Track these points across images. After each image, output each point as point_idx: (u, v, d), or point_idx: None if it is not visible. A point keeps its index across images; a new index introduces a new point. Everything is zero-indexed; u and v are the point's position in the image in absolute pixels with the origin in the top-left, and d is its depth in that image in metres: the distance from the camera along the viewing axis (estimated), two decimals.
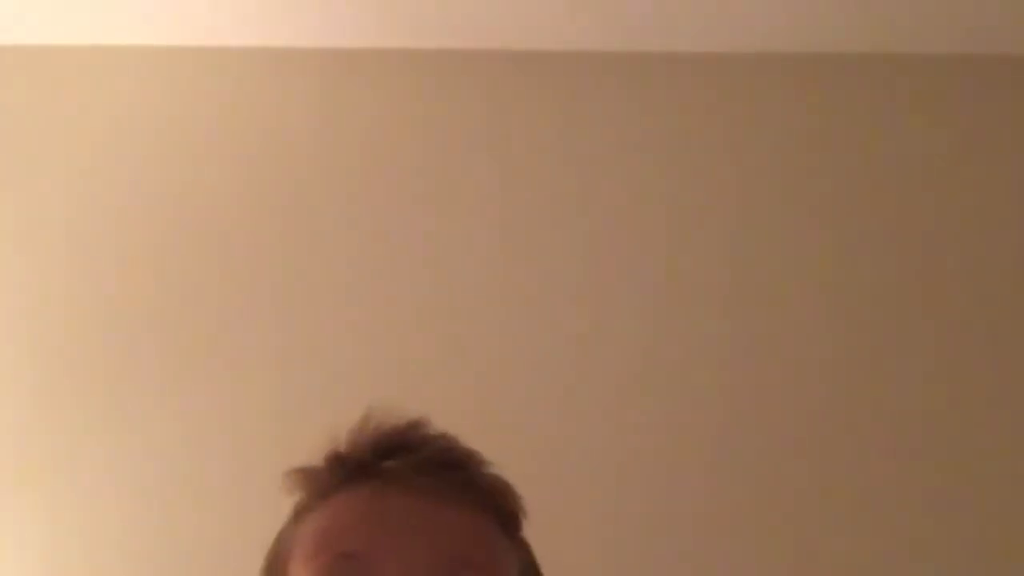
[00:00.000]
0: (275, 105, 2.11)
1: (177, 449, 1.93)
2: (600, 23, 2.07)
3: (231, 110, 2.10)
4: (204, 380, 1.95)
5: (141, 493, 1.91)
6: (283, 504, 1.04)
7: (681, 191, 2.09)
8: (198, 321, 2.00)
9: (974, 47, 2.12)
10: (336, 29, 2.08)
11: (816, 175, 2.11)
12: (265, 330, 2.00)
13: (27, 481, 1.93)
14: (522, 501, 1.01)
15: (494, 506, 0.98)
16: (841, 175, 2.11)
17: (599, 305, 2.04)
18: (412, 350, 1.99)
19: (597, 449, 1.97)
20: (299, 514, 0.99)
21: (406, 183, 2.08)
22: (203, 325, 1.99)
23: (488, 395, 1.98)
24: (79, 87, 2.10)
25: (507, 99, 2.13)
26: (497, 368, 1.99)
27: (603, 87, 2.12)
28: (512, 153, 2.10)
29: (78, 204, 2.05)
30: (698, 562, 1.93)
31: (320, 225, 2.05)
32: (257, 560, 1.05)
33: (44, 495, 1.92)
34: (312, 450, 1.01)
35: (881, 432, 2.00)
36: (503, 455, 1.93)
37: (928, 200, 2.10)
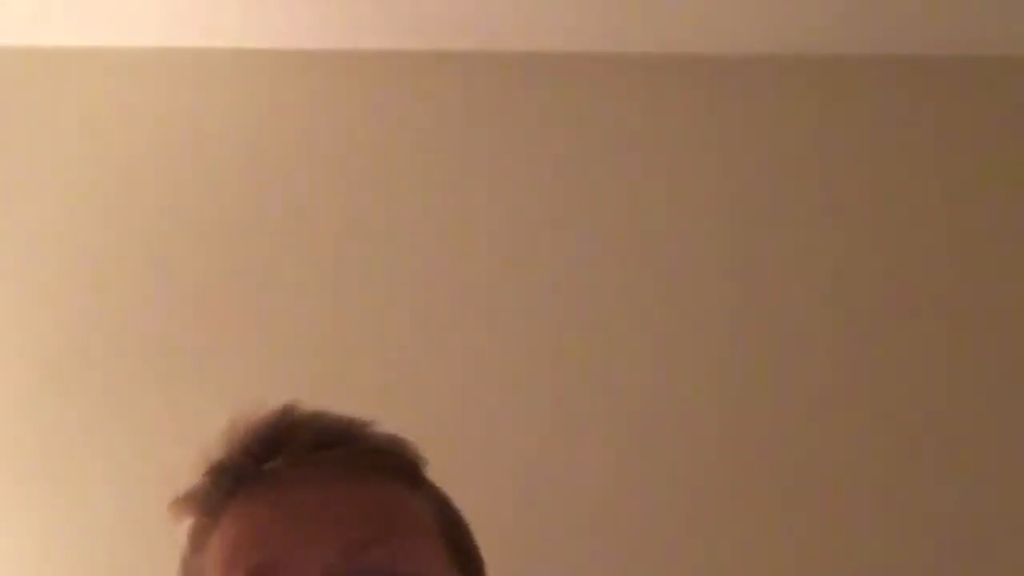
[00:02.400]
0: (274, 106, 2.10)
1: (175, 448, 1.92)
2: (600, 25, 2.07)
3: (229, 112, 2.10)
4: (203, 379, 1.95)
5: (140, 492, 1.90)
6: None
7: (682, 192, 2.09)
8: (197, 320, 1.99)
9: (971, 49, 2.13)
10: (334, 31, 2.07)
11: (816, 176, 2.12)
12: (264, 329, 2.00)
13: (25, 480, 1.93)
14: (415, 447, 0.98)
15: (386, 466, 0.95)
16: (841, 177, 2.11)
17: (599, 305, 2.04)
18: (411, 350, 1.99)
19: (594, 449, 1.97)
20: (196, 540, 0.97)
21: (404, 185, 2.08)
22: (202, 324, 1.99)
23: (485, 396, 1.98)
24: (78, 89, 2.09)
25: (506, 100, 2.13)
26: (495, 368, 1.99)
27: (603, 88, 2.12)
28: (511, 154, 2.10)
29: (76, 204, 2.04)
30: (699, 562, 1.93)
31: (318, 226, 2.05)
32: None
33: (42, 494, 1.92)
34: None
35: (880, 432, 2.00)
36: (505, 455, 1.94)
37: (926, 201, 2.11)
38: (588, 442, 1.97)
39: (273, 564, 0.89)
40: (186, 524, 0.98)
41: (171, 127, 2.08)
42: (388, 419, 0.98)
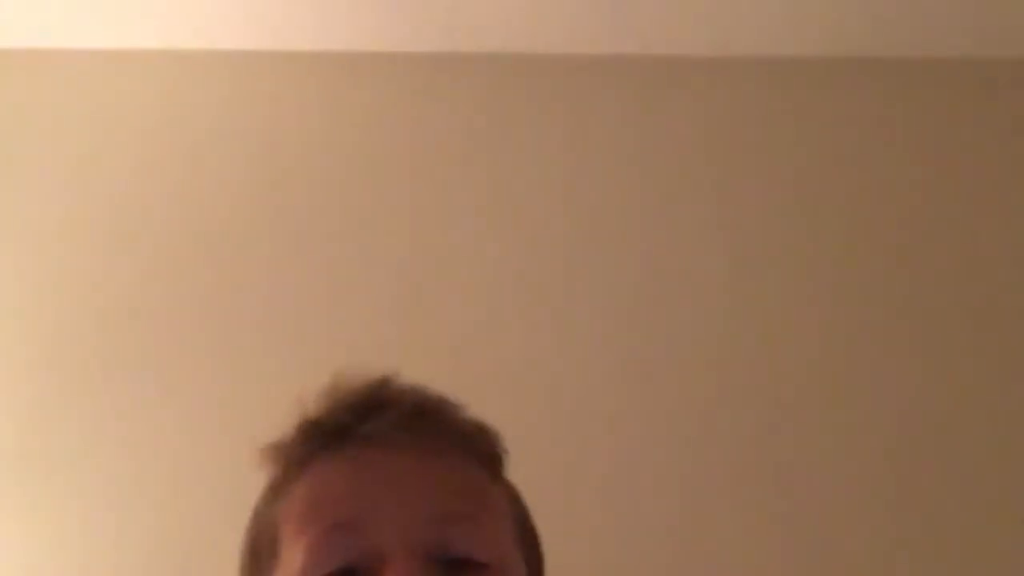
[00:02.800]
0: (273, 108, 2.10)
1: (176, 446, 1.93)
2: (598, 27, 2.07)
3: (229, 113, 2.10)
4: (203, 377, 1.95)
5: (141, 489, 1.90)
6: None
7: (682, 191, 2.09)
8: (197, 319, 1.99)
9: (971, 51, 2.13)
10: (333, 33, 2.07)
11: (815, 176, 2.11)
12: (263, 329, 2.00)
13: (27, 479, 1.93)
14: (502, 440, 0.98)
15: (476, 451, 0.95)
16: (841, 176, 2.11)
17: (599, 305, 2.04)
18: (409, 349, 1.99)
19: (591, 448, 1.97)
20: (276, 489, 0.95)
21: (403, 186, 2.08)
22: (202, 323, 1.99)
23: (482, 396, 1.98)
24: (77, 90, 2.09)
25: (505, 102, 2.13)
26: (492, 369, 1.99)
27: (601, 90, 2.12)
28: (510, 156, 2.10)
29: (76, 205, 2.04)
30: (699, 562, 1.93)
31: (317, 227, 2.05)
32: None
33: (45, 493, 1.92)
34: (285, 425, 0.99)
35: (878, 431, 2.00)
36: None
37: (926, 200, 2.11)
38: (582, 442, 1.97)
39: (353, 523, 0.88)
40: (264, 473, 0.96)
41: (169, 129, 2.08)
42: (355, 380, 0.99)
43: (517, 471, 1.82)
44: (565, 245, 2.06)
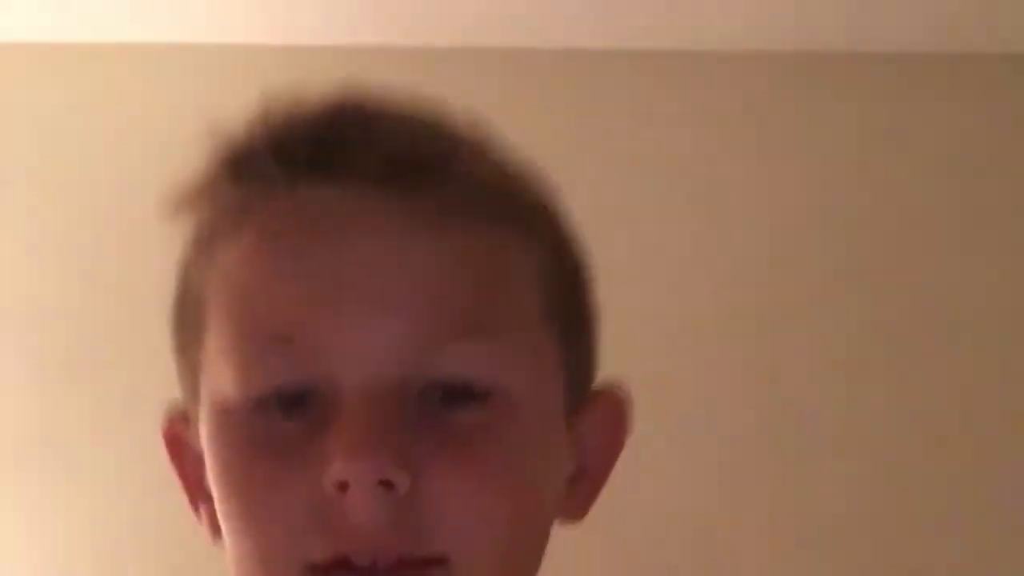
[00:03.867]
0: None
1: None
2: (599, 21, 2.07)
3: (228, 107, 2.10)
4: None
5: (145, 484, 1.90)
6: None
7: (681, 190, 2.10)
8: None
9: (974, 47, 2.12)
10: (333, 27, 2.08)
11: (815, 174, 2.12)
12: None
13: (28, 476, 1.93)
14: (535, 170, 0.70)
15: (491, 208, 0.64)
16: (839, 174, 2.11)
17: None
18: None
19: None
20: (201, 246, 0.69)
21: None
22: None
23: None
24: (75, 85, 2.10)
25: (506, 96, 2.13)
26: None
27: (602, 85, 2.12)
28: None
29: (74, 199, 2.05)
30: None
31: None
32: None
33: (49, 487, 1.93)
34: None
35: (878, 432, 2.00)
36: None
37: (926, 200, 2.11)
38: None
39: (301, 335, 0.62)
40: (186, 220, 0.71)
41: (167, 123, 2.08)
42: (319, 98, 0.69)
43: None
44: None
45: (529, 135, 2.32)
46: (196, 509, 0.70)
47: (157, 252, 2.23)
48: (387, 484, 0.60)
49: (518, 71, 2.12)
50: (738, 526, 1.95)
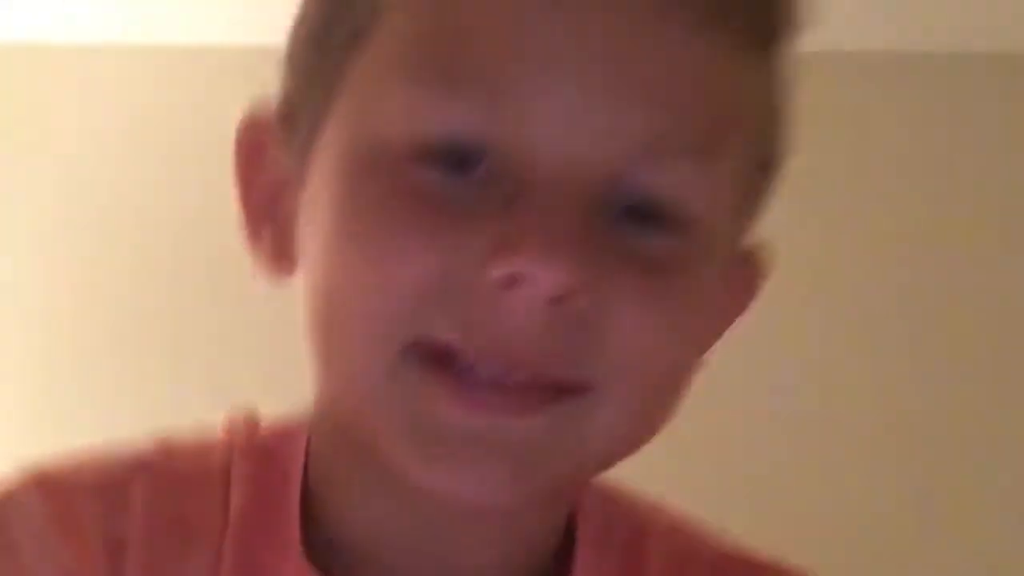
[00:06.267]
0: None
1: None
2: None
3: (228, 109, 2.09)
4: (206, 377, 1.95)
5: None
6: None
7: None
8: (199, 315, 1.99)
9: (976, 46, 2.12)
10: None
11: (815, 174, 2.11)
12: (265, 322, 2.00)
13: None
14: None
15: (757, 25, 0.56)
16: (841, 175, 2.11)
17: None
18: None
19: None
20: None
21: None
22: (204, 319, 1.99)
23: None
24: (75, 85, 2.09)
25: None
26: None
27: None
28: None
29: (74, 197, 2.04)
30: None
31: None
32: None
33: None
34: None
35: (879, 432, 2.00)
36: None
37: (926, 200, 2.10)
38: None
39: (518, 81, 0.50)
40: None
41: (169, 124, 2.08)
42: None
43: None
44: None
45: None
46: (255, 235, 0.60)
47: (159, 251, 2.23)
48: (560, 300, 0.50)
49: None
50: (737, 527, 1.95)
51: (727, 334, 0.62)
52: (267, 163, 0.60)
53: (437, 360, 0.51)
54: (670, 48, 0.52)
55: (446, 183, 0.51)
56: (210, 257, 2.02)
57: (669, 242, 0.52)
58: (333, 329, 0.53)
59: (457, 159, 0.51)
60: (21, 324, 1.98)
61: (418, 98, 0.51)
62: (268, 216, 0.59)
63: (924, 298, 2.05)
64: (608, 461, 0.56)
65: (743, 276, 0.62)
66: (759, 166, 0.59)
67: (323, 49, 0.57)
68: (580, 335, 0.51)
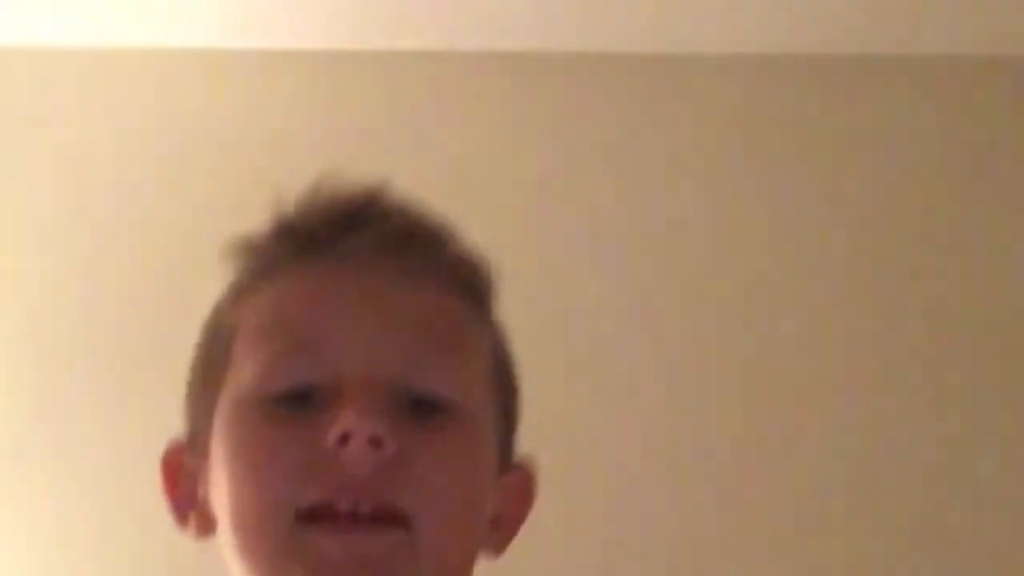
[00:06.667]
0: (272, 106, 2.11)
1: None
2: (598, 24, 2.08)
3: (228, 111, 2.10)
4: None
5: (144, 486, 1.90)
6: None
7: (681, 191, 2.10)
8: (200, 316, 2.00)
9: (972, 49, 2.13)
10: (333, 31, 2.08)
11: (815, 175, 2.12)
12: None
13: (28, 478, 1.93)
14: (493, 275, 0.90)
15: (460, 283, 0.86)
16: (840, 176, 2.11)
17: (597, 303, 2.04)
18: None
19: (588, 447, 1.97)
20: (239, 291, 0.87)
21: (401, 184, 2.08)
22: (199, 323, 1.99)
23: None
24: (72, 89, 2.10)
25: (507, 100, 2.13)
26: None
27: (601, 88, 2.13)
28: (511, 153, 2.11)
29: (73, 203, 2.05)
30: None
31: None
32: None
33: (46, 491, 1.93)
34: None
35: (878, 432, 2.00)
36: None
37: (925, 201, 2.11)
38: (583, 442, 1.97)
39: (314, 343, 0.81)
40: (230, 269, 0.88)
41: (168, 128, 2.09)
42: (343, 187, 0.91)
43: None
44: (565, 242, 2.06)
45: (529, 138, 2.34)
46: (183, 518, 0.86)
47: (158, 255, 2.25)
48: (378, 442, 0.77)
49: (519, 74, 2.12)
50: (734, 528, 1.95)
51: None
52: (183, 470, 0.87)
53: (316, 515, 0.78)
54: (423, 303, 0.83)
55: (296, 411, 0.80)
56: (210, 258, 2.02)
57: (444, 418, 0.81)
58: (248, 520, 0.79)
59: (302, 393, 0.80)
60: (22, 325, 1.99)
61: (268, 366, 0.81)
62: (190, 503, 0.86)
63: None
64: (443, 568, 0.80)
65: (520, 479, 0.89)
66: (499, 397, 0.87)
67: (206, 377, 0.86)
68: (398, 474, 0.78)
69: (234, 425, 0.82)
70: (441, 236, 0.88)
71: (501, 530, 0.87)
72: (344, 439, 0.77)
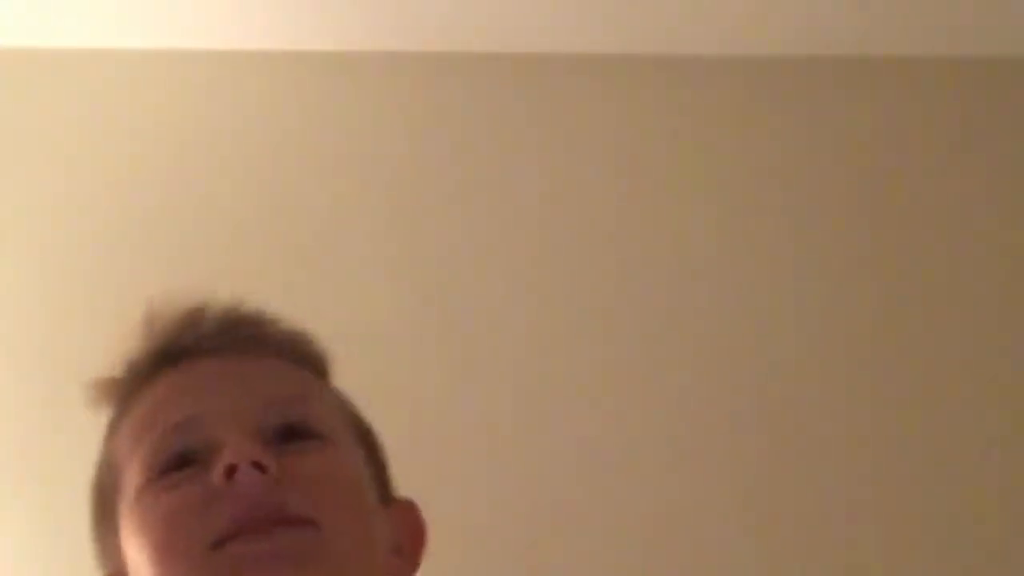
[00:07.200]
0: (270, 108, 2.11)
1: None
2: (590, 25, 2.08)
3: (221, 113, 2.10)
4: None
5: None
6: None
7: (680, 193, 2.10)
8: None
9: (974, 50, 2.13)
10: (324, 32, 2.08)
11: (813, 178, 2.12)
12: None
13: (29, 482, 1.93)
14: (321, 345, 1.03)
15: (296, 354, 0.99)
16: (839, 177, 2.12)
17: (598, 304, 2.04)
18: (408, 348, 2.00)
19: (587, 447, 1.97)
20: (111, 427, 0.99)
21: (395, 185, 2.09)
22: None
23: (482, 391, 1.98)
24: (73, 90, 2.10)
25: (496, 102, 2.13)
26: (490, 368, 1.99)
27: (593, 90, 2.13)
28: (511, 156, 2.11)
29: (74, 204, 2.05)
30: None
31: (317, 226, 2.06)
32: None
33: (48, 496, 1.93)
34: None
35: (878, 432, 2.00)
36: (523, 455, 1.94)
37: (925, 201, 2.11)
38: (583, 442, 1.97)
39: (188, 421, 0.92)
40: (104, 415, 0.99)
41: (162, 129, 2.09)
42: (169, 309, 1.01)
43: (516, 465, 1.81)
44: (564, 244, 2.06)
45: (529, 139, 2.34)
46: None
47: (159, 255, 2.24)
48: (261, 465, 0.87)
49: (520, 76, 2.12)
50: (732, 529, 1.95)
51: None
52: None
53: (228, 538, 0.86)
54: (269, 366, 0.97)
55: (185, 470, 0.90)
56: (211, 258, 2.03)
57: (310, 443, 0.92)
58: (166, 563, 0.89)
59: (187, 459, 0.90)
60: (22, 325, 1.99)
61: (152, 449, 0.91)
62: None
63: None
64: (344, 564, 0.89)
65: (409, 510, 1.00)
66: (362, 444, 0.98)
67: (104, 509, 0.97)
68: (286, 490, 0.88)
69: (136, 510, 0.91)
70: (268, 319, 1.01)
71: (404, 558, 0.98)
72: (231, 471, 0.88)
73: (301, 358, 1.00)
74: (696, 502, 1.96)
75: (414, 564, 0.98)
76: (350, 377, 1.94)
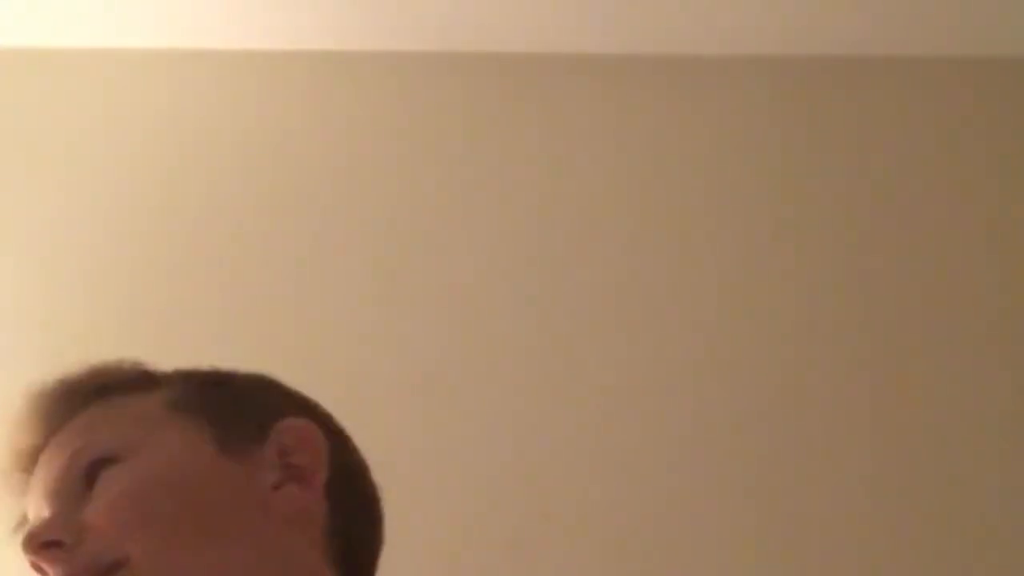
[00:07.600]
0: (270, 107, 2.11)
1: None
2: (587, 26, 2.08)
3: (221, 112, 2.10)
4: None
5: None
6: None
7: (678, 193, 2.10)
8: (195, 320, 2.00)
9: (971, 49, 2.13)
10: (324, 32, 2.08)
11: (811, 177, 2.12)
12: (263, 326, 2.00)
13: None
14: (135, 361, 1.10)
15: (86, 392, 1.05)
16: (838, 178, 2.11)
17: (598, 305, 2.04)
18: (407, 348, 2.00)
19: (587, 446, 1.97)
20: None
21: (393, 185, 2.09)
22: (199, 324, 2.00)
23: (471, 394, 1.98)
24: (74, 90, 2.10)
25: (504, 102, 2.13)
26: (481, 368, 1.99)
27: (589, 90, 2.13)
28: (509, 155, 2.11)
29: (75, 203, 2.05)
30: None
31: (316, 226, 2.06)
32: None
33: None
34: None
35: (877, 433, 2.00)
36: (516, 455, 1.94)
37: (925, 202, 2.11)
38: (582, 441, 1.97)
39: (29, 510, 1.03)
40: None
41: (161, 128, 2.09)
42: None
43: (511, 467, 1.81)
44: (563, 244, 2.06)
45: (529, 139, 2.34)
46: None
47: (160, 255, 2.24)
48: (57, 543, 0.96)
49: (520, 76, 2.12)
50: (732, 529, 1.95)
51: None
52: None
53: None
54: (77, 423, 1.03)
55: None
56: (212, 261, 2.02)
57: (114, 470, 0.98)
58: None
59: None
60: (22, 325, 1.99)
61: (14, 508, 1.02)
62: None
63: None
64: (179, 563, 0.95)
65: (294, 436, 1.04)
66: (188, 412, 1.05)
67: None
68: (90, 539, 0.95)
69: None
70: (74, 377, 1.07)
71: (302, 479, 1.02)
72: (35, 566, 0.97)
73: (92, 393, 1.05)
74: (696, 502, 1.96)
75: (316, 477, 1.03)
76: (349, 374, 1.95)
